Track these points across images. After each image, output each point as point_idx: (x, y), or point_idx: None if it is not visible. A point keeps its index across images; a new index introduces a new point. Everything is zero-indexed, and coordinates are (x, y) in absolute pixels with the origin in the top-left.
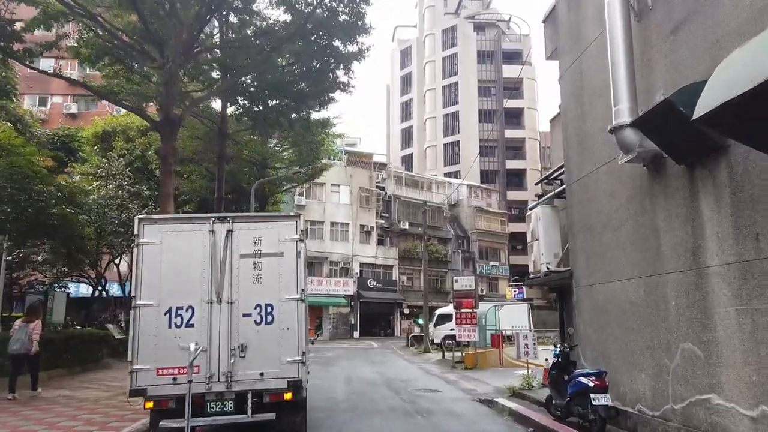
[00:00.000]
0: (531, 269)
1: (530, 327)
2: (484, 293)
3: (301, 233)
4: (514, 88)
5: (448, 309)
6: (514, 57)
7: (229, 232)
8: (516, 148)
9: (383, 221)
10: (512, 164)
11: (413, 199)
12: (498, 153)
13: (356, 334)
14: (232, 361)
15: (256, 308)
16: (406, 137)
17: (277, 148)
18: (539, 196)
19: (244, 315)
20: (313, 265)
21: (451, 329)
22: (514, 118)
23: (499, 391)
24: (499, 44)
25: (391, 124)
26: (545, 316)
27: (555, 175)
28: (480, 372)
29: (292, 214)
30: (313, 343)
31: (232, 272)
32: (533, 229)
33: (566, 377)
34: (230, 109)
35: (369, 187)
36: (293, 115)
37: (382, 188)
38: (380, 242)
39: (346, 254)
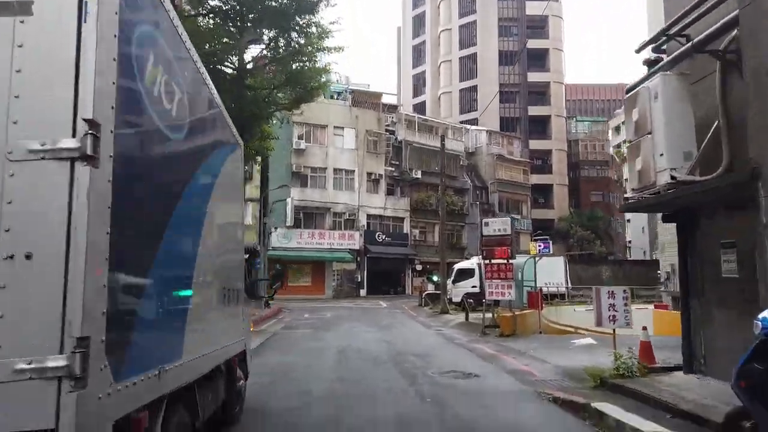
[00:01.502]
0: (633, 184)
1: (567, 283)
2: None
3: None
4: (538, 27)
5: (469, 263)
6: None
7: None
8: (539, 93)
9: (393, 169)
10: (535, 110)
11: (427, 146)
12: (520, 98)
13: (363, 292)
14: None
15: None
16: (419, 84)
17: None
18: (650, 64)
19: None
20: (314, 216)
21: (473, 286)
22: (538, 60)
23: (569, 376)
24: None
25: (403, 70)
26: (580, 272)
27: (676, 29)
28: (521, 341)
29: None
30: (267, 305)
31: None
32: (640, 117)
33: None
34: None
35: (377, 130)
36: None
37: (392, 132)
38: (390, 192)
39: (351, 205)
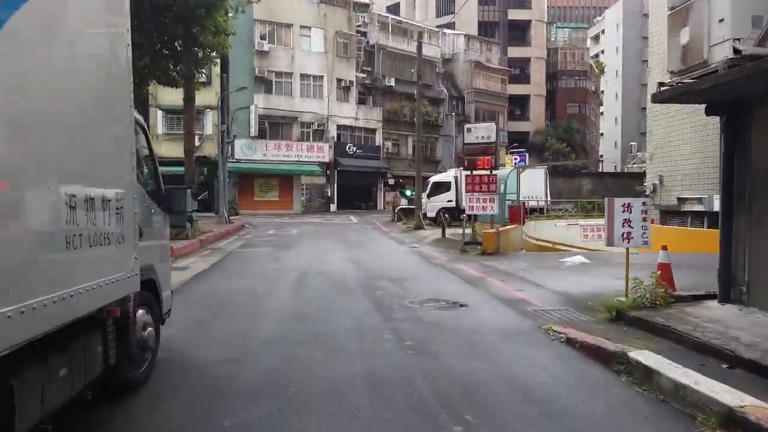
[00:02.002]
0: (673, 65)
1: (547, 197)
2: None
3: None
4: None
5: (446, 176)
6: None
7: None
8: None
9: (365, 76)
10: (515, 15)
11: (401, 51)
12: (499, 1)
13: (333, 207)
14: None
15: None
16: None
17: None
18: None
19: None
20: (281, 126)
21: (449, 201)
22: None
23: (574, 305)
24: None
25: None
26: (560, 185)
27: None
28: (506, 260)
29: None
30: (229, 220)
31: None
32: None
33: None
34: None
35: (348, 31)
36: None
37: (364, 35)
38: (361, 101)
39: (320, 114)
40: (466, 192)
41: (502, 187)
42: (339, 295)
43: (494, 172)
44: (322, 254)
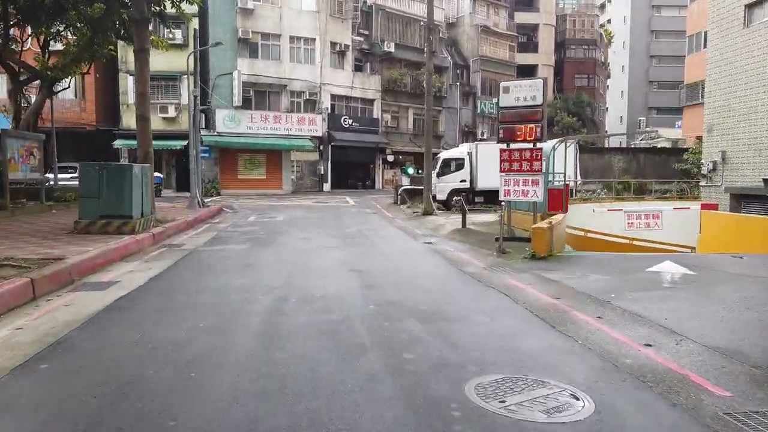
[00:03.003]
0: None
1: (577, 176)
2: (485, 137)
3: None
4: None
5: (458, 152)
6: None
7: None
8: None
9: (362, 40)
10: None
11: (401, 12)
12: None
13: (327, 187)
14: None
15: None
16: None
17: None
18: None
19: None
20: (268, 95)
21: (462, 180)
22: None
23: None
24: None
25: None
26: (587, 162)
27: None
28: (569, 267)
29: None
30: (202, 203)
31: None
32: None
33: None
34: None
35: None
36: None
37: None
38: (357, 68)
39: (312, 82)
40: (501, 172)
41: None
42: (337, 369)
43: (540, 145)
44: (312, 258)
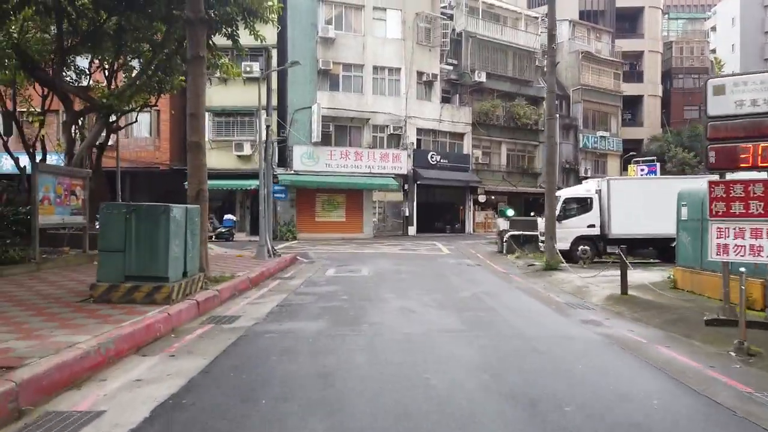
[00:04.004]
0: None
1: None
2: (588, 175)
3: None
4: None
5: (582, 189)
6: None
7: None
8: None
9: (450, 69)
10: (624, 0)
11: (493, 40)
12: None
13: (411, 230)
14: None
15: None
16: None
17: None
18: None
19: None
20: (348, 130)
21: (590, 225)
22: None
23: None
24: None
25: None
26: None
27: None
28: None
29: None
30: (274, 252)
31: None
32: None
33: None
34: None
35: (430, 12)
36: None
37: (450, 17)
38: (445, 100)
39: (396, 115)
40: (712, 217)
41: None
42: None
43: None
44: (427, 359)
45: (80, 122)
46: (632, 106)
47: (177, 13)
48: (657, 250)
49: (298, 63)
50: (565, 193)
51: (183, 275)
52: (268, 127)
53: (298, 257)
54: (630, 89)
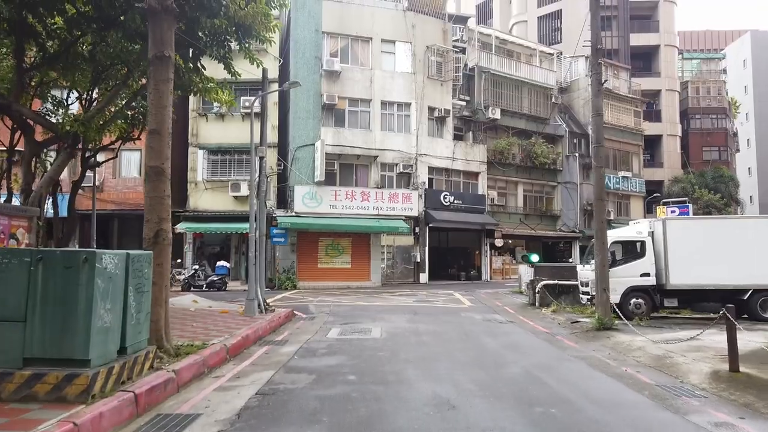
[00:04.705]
0: None
1: None
2: (611, 218)
3: None
4: None
5: (633, 231)
6: None
7: None
8: (644, 17)
9: (463, 105)
10: (638, 39)
11: (507, 76)
12: (618, 24)
13: (423, 277)
14: None
15: None
16: (484, 14)
17: None
18: None
19: None
20: (355, 168)
21: (643, 274)
22: None
23: None
24: None
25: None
26: None
27: None
28: None
29: None
30: (266, 306)
31: None
32: None
33: None
34: None
35: (442, 45)
36: None
37: (462, 50)
38: (458, 137)
39: (406, 153)
40: None
41: None
42: None
43: None
44: None
45: (43, 155)
46: (650, 146)
47: (139, 5)
48: (724, 303)
49: (298, 84)
50: (612, 236)
51: (120, 352)
52: (261, 158)
53: (295, 312)
54: (648, 129)
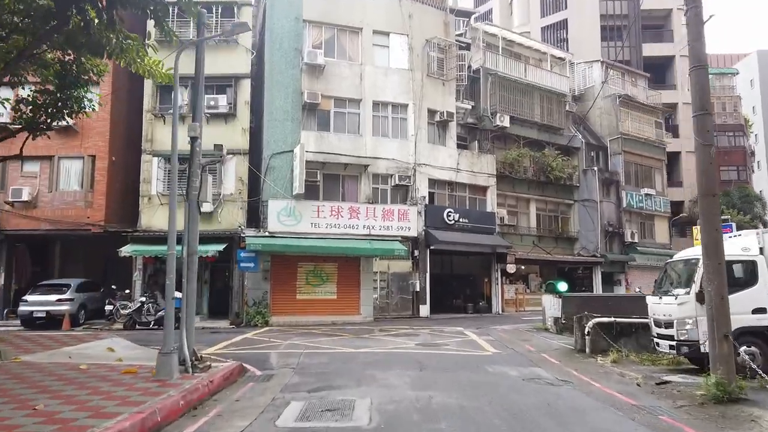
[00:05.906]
0: None
1: None
2: (635, 239)
3: None
4: None
5: (736, 248)
6: None
7: None
8: (656, 27)
9: (467, 109)
10: (651, 49)
11: (516, 79)
12: (630, 34)
13: (424, 309)
14: None
15: None
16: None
17: None
18: None
19: None
20: (342, 180)
21: (758, 309)
22: None
23: None
24: None
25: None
26: None
27: None
28: None
29: None
30: (198, 362)
31: None
32: None
33: None
34: None
35: (444, 38)
36: None
37: (466, 46)
38: (462, 146)
39: (403, 162)
40: None
41: None
42: None
43: None
44: None
45: None
46: (669, 164)
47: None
48: None
49: (247, 26)
50: (700, 255)
51: None
52: (194, 139)
53: (246, 366)
54: (670, 145)
